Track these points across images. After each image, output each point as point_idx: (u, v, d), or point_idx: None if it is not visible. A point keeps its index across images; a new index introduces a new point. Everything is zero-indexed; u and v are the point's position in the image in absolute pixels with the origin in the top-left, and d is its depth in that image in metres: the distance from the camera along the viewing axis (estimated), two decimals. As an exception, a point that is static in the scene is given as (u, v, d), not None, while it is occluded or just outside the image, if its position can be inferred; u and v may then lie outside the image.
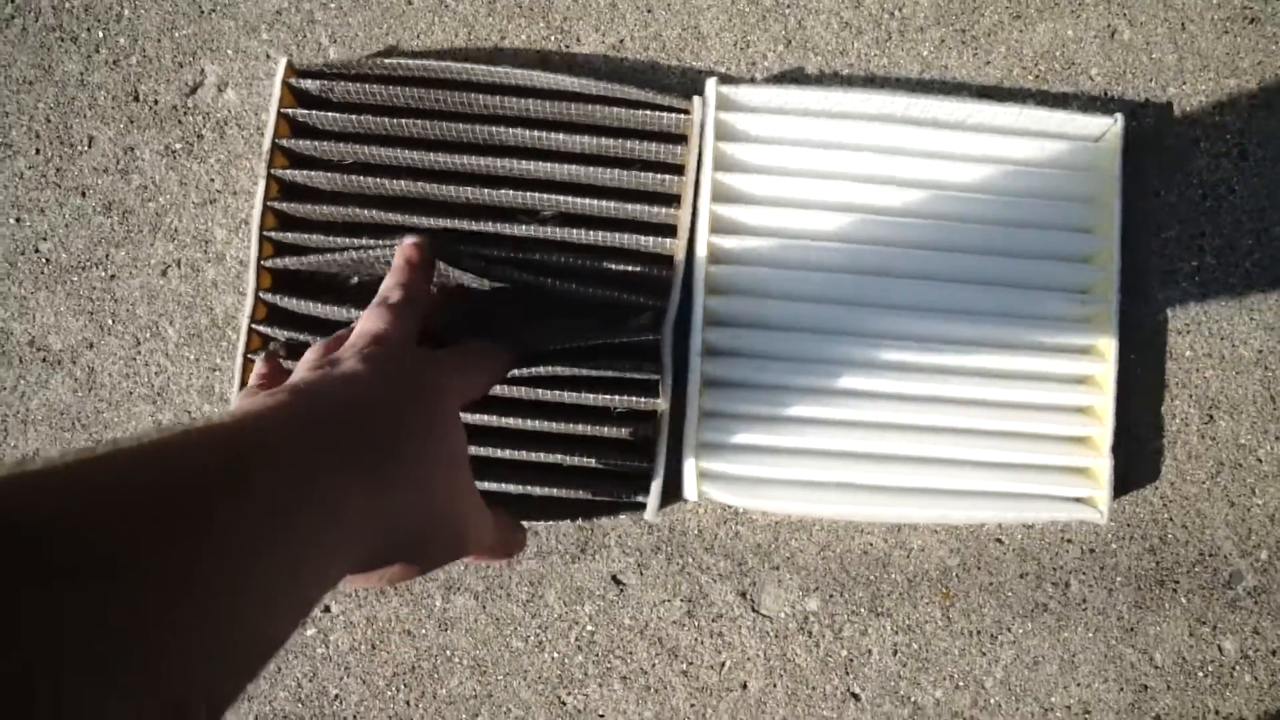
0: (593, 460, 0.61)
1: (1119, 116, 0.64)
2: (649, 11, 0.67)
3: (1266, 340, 0.67)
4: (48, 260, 0.66)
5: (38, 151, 0.66)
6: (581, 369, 0.60)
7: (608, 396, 0.61)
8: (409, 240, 0.53)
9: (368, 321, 0.41)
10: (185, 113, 0.67)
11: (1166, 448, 0.67)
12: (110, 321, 0.66)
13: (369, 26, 0.67)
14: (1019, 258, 0.64)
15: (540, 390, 0.60)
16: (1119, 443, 0.64)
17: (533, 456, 0.60)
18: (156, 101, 0.67)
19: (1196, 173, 0.68)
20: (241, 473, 0.25)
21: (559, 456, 0.61)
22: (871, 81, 0.67)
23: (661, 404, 0.61)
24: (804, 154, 0.62)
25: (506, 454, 0.60)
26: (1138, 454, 0.67)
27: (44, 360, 0.66)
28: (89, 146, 0.67)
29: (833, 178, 0.63)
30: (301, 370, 0.38)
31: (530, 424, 0.60)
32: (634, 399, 0.61)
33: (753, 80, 0.67)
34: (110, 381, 0.66)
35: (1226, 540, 0.66)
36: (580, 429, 0.61)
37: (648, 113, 0.62)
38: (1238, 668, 0.66)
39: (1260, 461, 0.67)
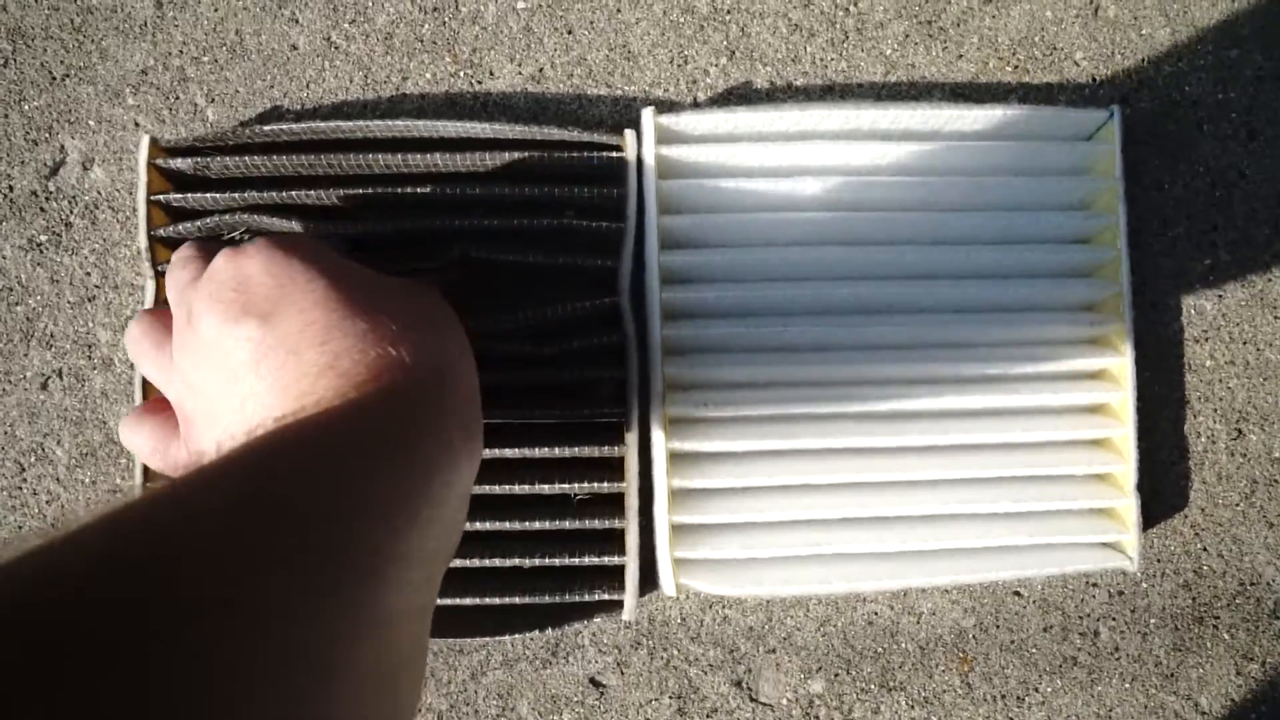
0: (557, 559, 0.53)
1: (1114, 109, 0.56)
2: (569, 33, 0.59)
3: (1293, 340, 0.60)
4: (-93, 384, 0.57)
5: (-121, 260, 0.57)
6: (534, 450, 0.52)
7: (565, 485, 0.53)
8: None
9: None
10: (48, 198, 0.58)
11: (1193, 470, 0.60)
12: (-13, 448, 0.57)
13: (250, 79, 0.58)
14: (1014, 279, 0.56)
15: (487, 485, 0.52)
16: (1141, 471, 0.57)
17: (487, 562, 0.53)
18: (11, 188, 0.58)
19: (1202, 159, 0.60)
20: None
21: (517, 560, 0.53)
22: (831, 90, 0.59)
23: (627, 486, 0.54)
24: (762, 185, 0.54)
25: (456, 563, 0.52)
26: (1162, 481, 0.60)
27: (-83, 499, 0.57)
28: (-60, 248, 0.58)
29: (797, 209, 0.55)
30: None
31: (480, 525, 0.53)
32: (596, 484, 0.53)
33: (695, 104, 0.58)
34: (-4, 515, 0.57)
35: (1268, 566, 0.60)
36: (538, 525, 0.53)
37: (574, 154, 0.53)
38: (1291, 705, 0.60)
39: (1297, 475, 0.60)
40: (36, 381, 0.58)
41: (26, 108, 0.58)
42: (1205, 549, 0.60)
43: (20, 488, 0.58)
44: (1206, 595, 0.60)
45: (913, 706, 0.58)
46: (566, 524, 0.54)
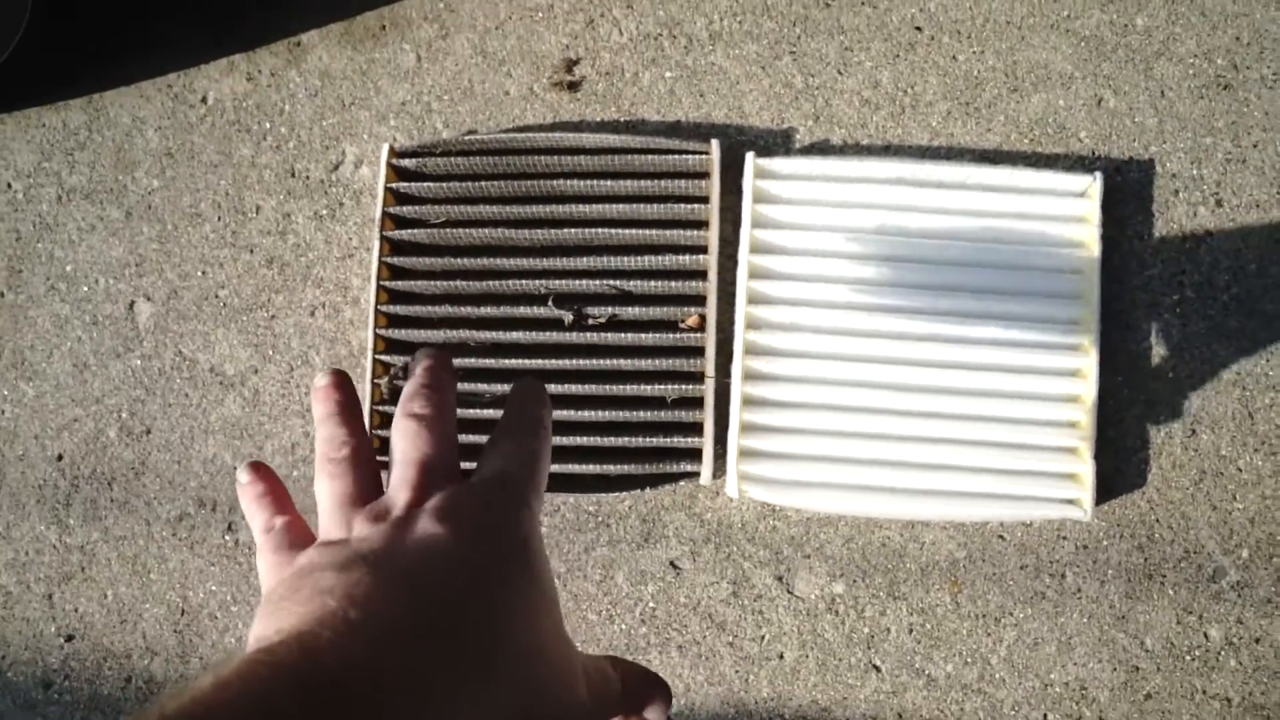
0: (655, 440, 0.75)
1: (1098, 174, 0.75)
2: (701, 96, 0.82)
3: (1244, 363, 0.77)
4: (224, 304, 0.84)
5: (219, 218, 0.85)
6: (641, 362, 0.75)
7: (663, 386, 0.75)
8: (426, 350, 0.35)
9: (407, 446, 0.31)
10: (330, 185, 0.84)
11: (1152, 458, 0.77)
12: (270, 352, 0.83)
13: (474, 113, 0.84)
14: (1016, 295, 0.75)
15: (607, 385, 0.75)
16: (1108, 454, 0.74)
17: (605, 441, 0.75)
18: (308, 177, 0.85)
19: (1176, 220, 0.78)
20: (341, 710, 0.22)
21: (625, 439, 0.75)
22: (888, 149, 0.80)
23: (707, 392, 0.75)
24: (829, 212, 0.76)
25: (583, 440, 0.75)
26: (1127, 463, 0.77)
27: (220, 383, 0.83)
28: (257, 213, 0.85)
29: (854, 231, 0.76)
30: (344, 519, 0.30)
31: (600, 415, 0.75)
32: (685, 386, 0.75)
33: (786, 151, 0.81)
34: (270, 400, 0.83)
35: (1210, 540, 0.76)
36: (642, 415, 0.75)
37: (675, 157, 0.77)
38: (1223, 653, 0.75)
39: (1240, 470, 0.76)
40: (308, 310, 0.84)
41: (325, 123, 0.85)
42: (1158, 520, 0.76)
43: (289, 381, 0.83)
44: (1156, 557, 0.76)
45: (911, 614, 0.77)
46: (663, 415, 0.75)
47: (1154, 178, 0.79)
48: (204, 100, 0.86)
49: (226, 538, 0.82)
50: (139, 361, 0.84)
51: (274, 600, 0.25)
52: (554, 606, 0.30)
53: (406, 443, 0.31)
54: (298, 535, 0.31)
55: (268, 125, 0.85)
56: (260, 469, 0.34)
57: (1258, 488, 0.76)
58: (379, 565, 0.26)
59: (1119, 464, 0.76)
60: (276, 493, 0.33)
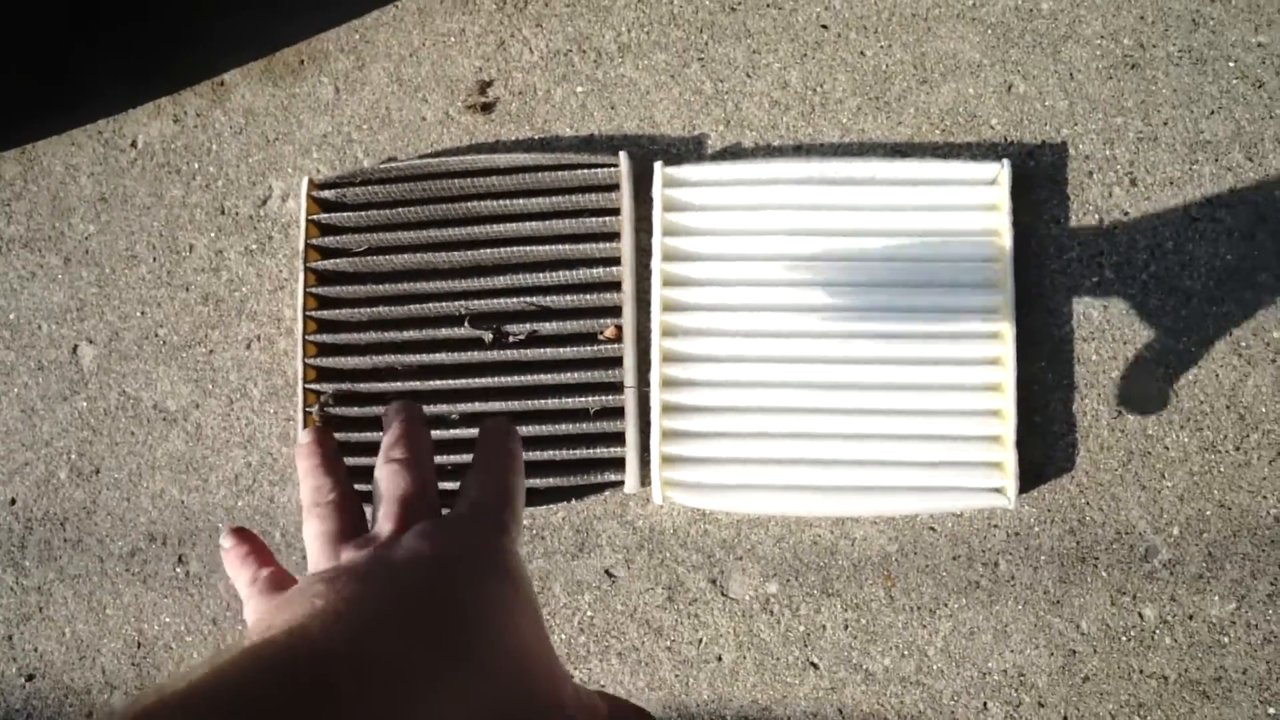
0: (579, 452, 0.76)
1: (1006, 161, 0.75)
2: (612, 108, 0.83)
3: (1166, 341, 0.76)
4: (164, 342, 0.86)
5: (154, 259, 0.87)
6: (561, 375, 0.76)
7: (585, 399, 0.76)
8: (397, 404, 0.37)
9: (389, 486, 0.33)
10: (259, 220, 0.86)
11: (1080, 441, 0.77)
12: (210, 386, 0.85)
13: (393, 140, 0.85)
14: (932, 287, 0.75)
15: (529, 400, 0.76)
16: (1035, 440, 0.74)
17: (532, 455, 0.76)
18: (238, 213, 0.86)
19: (1092, 201, 0.78)
20: (326, 691, 0.23)
21: (551, 453, 0.76)
22: (800, 149, 0.81)
23: (628, 401, 0.76)
24: (740, 216, 0.76)
25: None
26: (1054, 448, 0.77)
27: (164, 419, 0.85)
28: (190, 252, 0.86)
29: (765, 233, 0.76)
30: (333, 553, 0.32)
31: (527, 430, 0.76)
32: (606, 397, 0.76)
33: (696, 159, 0.81)
34: (212, 433, 0.85)
35: (1141, 520, 0.76)
36: (565, 428, 0.76)
37: (585, 171, 0.78)
38: (1158, 631, 0.75)
39: (1168, 449, 0.76)
40: (244, 343, 0.85)
41: (251, 160, 0.87)
42: (1088, 503, 0.76)
43: (229, 414, 0.85)
44: (1088, 540, 0.76)
45: (846, 609, 0.77)
46: (586, 427, 0.76)
47: (1067, 160, 0.79)
48: (134, 145, 0.88)
49: (178, 570, 0.84)
50: (85, 403, 0.86)
51: (266, 618, 0.27)
52: (536, 615, 0.31)
53: (388, 483, 0.33)
54: (284, 581, 0.33)
55: (196, 165, 0.87)
56: (242, 533, 0.36)
57: (1185, 464, 0.75)
58: (365, 575, 0.28)
59: (1047, 449, 0.76)
60: (259, 551, 0.35)
